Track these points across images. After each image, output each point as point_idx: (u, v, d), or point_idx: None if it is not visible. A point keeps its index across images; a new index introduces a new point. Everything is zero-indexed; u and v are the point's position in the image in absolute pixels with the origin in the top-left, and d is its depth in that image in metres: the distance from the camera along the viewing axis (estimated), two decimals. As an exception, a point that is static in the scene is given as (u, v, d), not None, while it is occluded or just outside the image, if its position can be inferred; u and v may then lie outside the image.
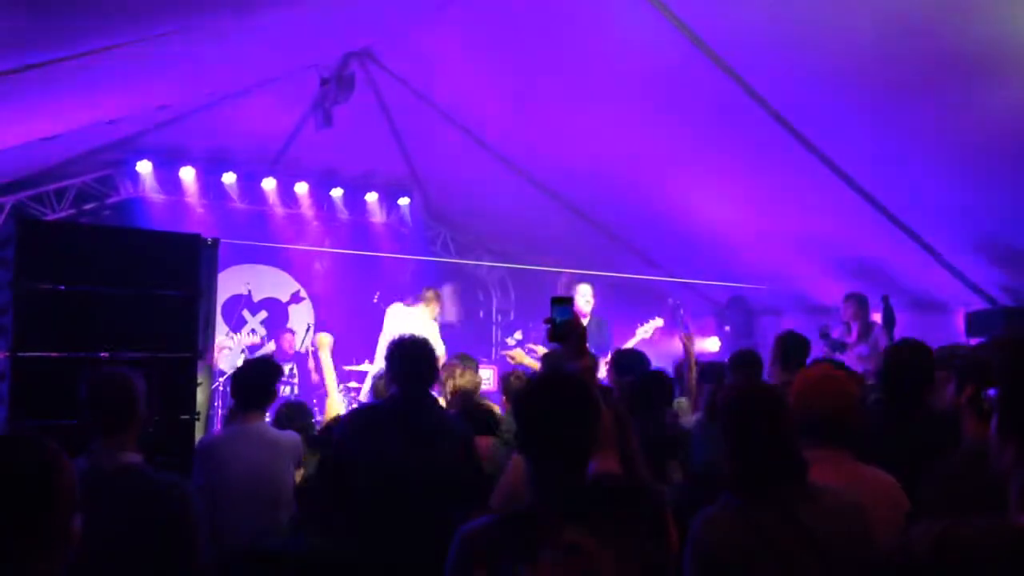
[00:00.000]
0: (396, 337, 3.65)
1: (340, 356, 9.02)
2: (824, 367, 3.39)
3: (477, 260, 11.74)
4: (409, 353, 3.56)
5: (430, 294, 7.70)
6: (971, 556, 1.25)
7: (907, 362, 3.34)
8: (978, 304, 7.62)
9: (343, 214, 10.65)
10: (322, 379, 5.47)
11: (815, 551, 2.11)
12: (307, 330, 9.87)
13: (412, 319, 7.33)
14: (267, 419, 4.19)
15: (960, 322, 7.64)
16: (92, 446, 2.69)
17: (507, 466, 3.37)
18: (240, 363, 5.48)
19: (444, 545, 1.95)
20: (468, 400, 4.34)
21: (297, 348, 9.45)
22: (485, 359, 10.70)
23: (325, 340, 5.48)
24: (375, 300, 9.51)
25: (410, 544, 3.07)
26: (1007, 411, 1.34)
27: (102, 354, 3.93)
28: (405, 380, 3.50)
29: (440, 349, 5.52)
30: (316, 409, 6.36)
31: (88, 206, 9.07)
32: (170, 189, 9.37)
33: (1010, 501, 1.34)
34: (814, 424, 2.51)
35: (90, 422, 2.72)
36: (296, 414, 4.60)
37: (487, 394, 4.98)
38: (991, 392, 1.39)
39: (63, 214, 8.75)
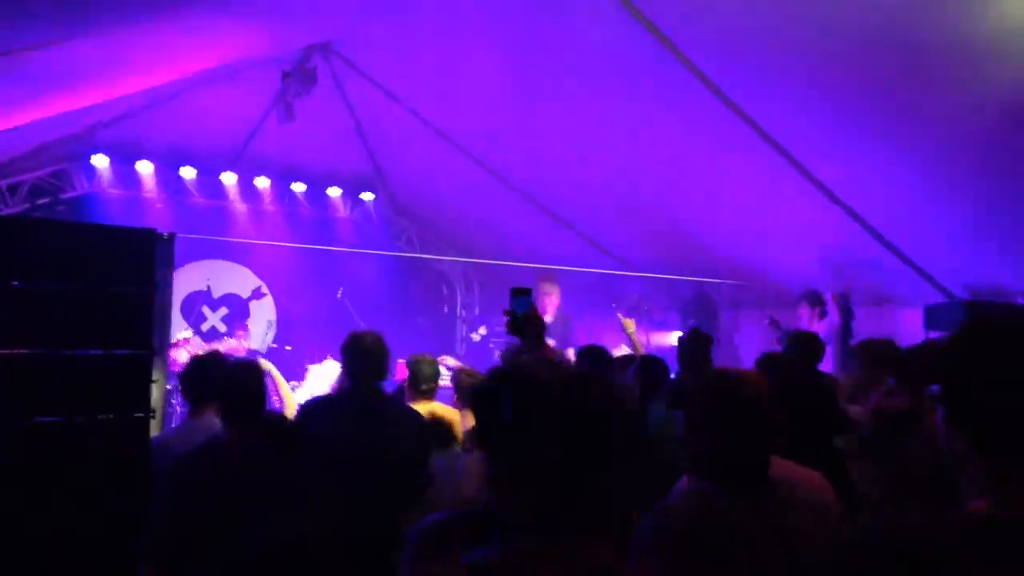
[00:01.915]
0: (352, 332, 3.83)
1: (303, 353, 8.95)
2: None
3: (441, 256, 11.69)
4: (364, 347, 3.72)
5: None
6: (923, 546, 1.25)
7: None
8: (936, 298, 7.73)
9: (305, 209, 10.55)
10: (281, 400, 5.45)
11: (782, 541, 2.10)
12: (268, 326, 9.76)
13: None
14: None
15: (918, 316, 7.75)
16: None
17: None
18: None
19: (395, 526, 1.93)
20: None
21: (256, 346, 9.34)
22: (449, 355, 10.68)
23: (268, 365, 5.51)
24: (339, 296, 9.42)
25: (360, 523, 3.07)
26: (952, 406, 1.36)
27: (56, 351, 3.85)
28: (359, 372, 3.63)
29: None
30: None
31: (42, 201, 8.87)
32: (127, 184, 9.21)
33: (963, 489, 1.35)
34: None
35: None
36: None
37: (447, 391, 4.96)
38: (933, 388, 1.41)
39: (16, 209, 8.56)
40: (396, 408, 3.99)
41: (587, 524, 1.50)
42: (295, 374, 9.02)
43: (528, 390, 1.54)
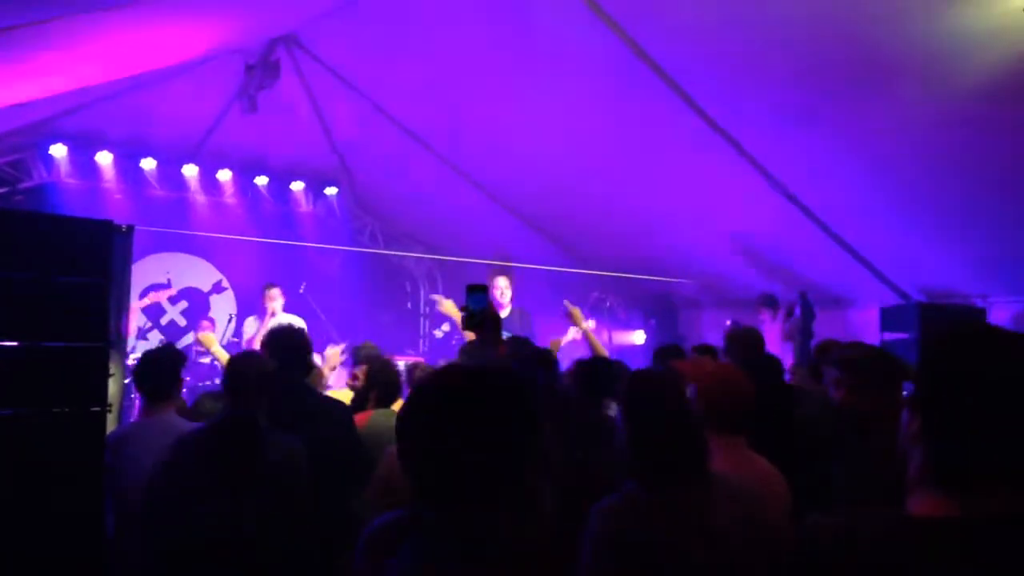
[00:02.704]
0: (272, 327, 4.05)
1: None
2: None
3: (405, 251, 11.66)
4: (285, 343, 3.85)
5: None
6: (868, 548, 1.27)
7: None
8: (892, 300, 7.88)
9: (268, 203, 10.46)
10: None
11: (714, 540, 2.13)
12: (229, 320, 9.68)
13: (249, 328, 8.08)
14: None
15: (874, 317, 7.88)
16: None
17: (383, 458, 3.39)
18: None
19: (332, 524, 1.93)
20: None
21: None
22: (412, 350, 10.68)
23: (205, 338, 5.56)
24: (301, 291, 9.36)
25: (294, 523, 3.08)
26: (920, 387, 1.39)
27: (9, 343, 3.79)
28: (281, 364, 3.64)
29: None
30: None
31: (0, 191, 8.73)
32: (86, 174, 9.08)
33: (909, 477, 1.37)
34: (713, 413, 2.59)
35: None
36: (216, 404, 4.53)
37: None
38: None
39: (-28, 198, 8.42)
40: (325, 404, 4.00)
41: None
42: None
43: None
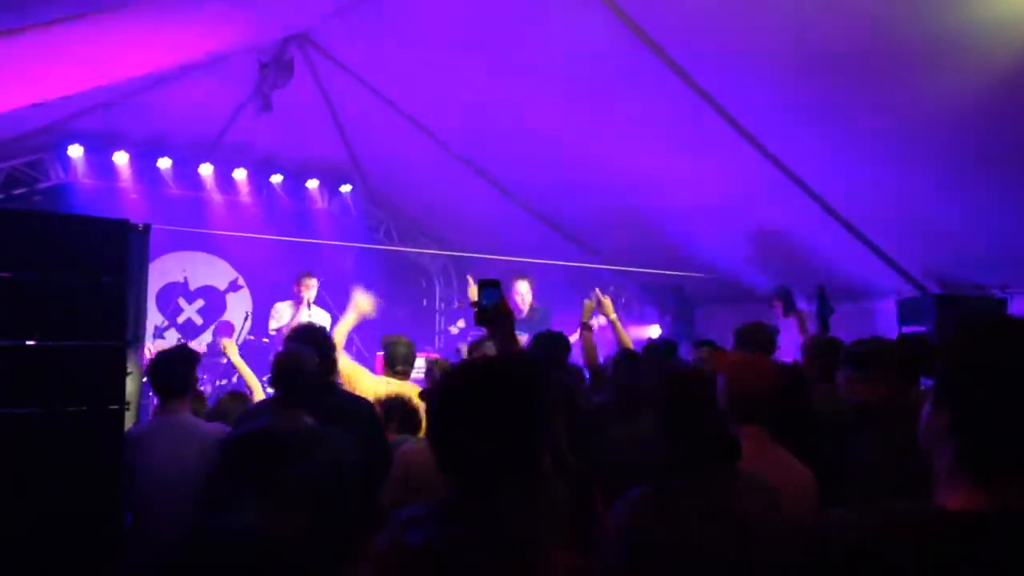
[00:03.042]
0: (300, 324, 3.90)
1: (280, 346, 8.92)
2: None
3: (420, 248, 11.68)
4: (313, 339, 3.92)
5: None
6: (901, 543, 1.26)
7: None
8: (910, 292, 7.82)
9: (283, 201, 10.50)
10: (242, 382, 5.46)
11: (741, 532, 2.13)
12: (245, 318, 9.72)
13: (282, 314, 7.83)
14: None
15: (892, 310, 7.82)
16: None
17: (397, 456, 3.37)
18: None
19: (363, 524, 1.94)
20: None
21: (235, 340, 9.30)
22: (429, 347, 10.69)
23: (228, 345, 5.52)
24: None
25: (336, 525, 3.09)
26: (943, 381, 1.37)
27: (27, 342, 3.82)
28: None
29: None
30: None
31: (18, 191, 8.81)
32: (103, 174, 9.14)
33: (937, 472, 1.35)
34: (737, 404, 2.58)
35: None
36: (236, 404, 4.57)
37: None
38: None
39: (-9, 199, 8.50)
40: (353, 405, 3.99)
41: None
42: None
43: None
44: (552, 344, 4.48)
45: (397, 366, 4.73)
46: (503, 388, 1.58)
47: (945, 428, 1.33)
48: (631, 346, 5.17)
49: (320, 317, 7.46)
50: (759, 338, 5.01)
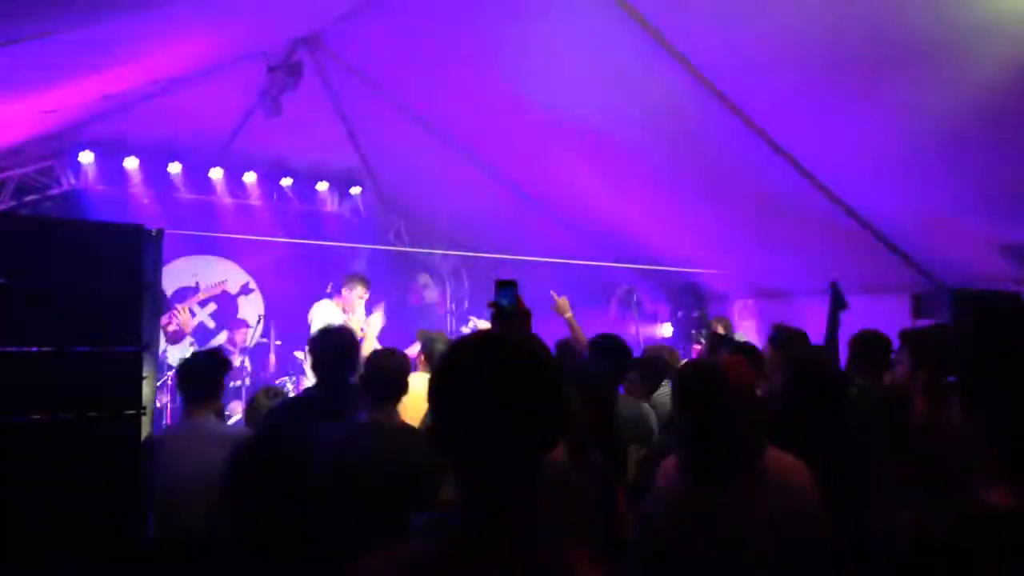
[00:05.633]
0: (320, 328, 4.08)
1: (292, 348, 8.96)
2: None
3: (431, 249, 11.68)
4: (329, 344, 3.92)
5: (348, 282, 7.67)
6: (948, 541, 1.25)
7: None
8: (923, 286, 7.77)
9: (294, 204, 10.52)
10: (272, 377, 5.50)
11: (764, 531, 2.12)
12: (258, 322, 9.74)
13: (329, 314, 7.57)
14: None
15: (906, 304, 7.78)
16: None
17: None
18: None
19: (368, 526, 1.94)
20: None
21: (247, 343, 9.33)
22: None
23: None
24: (328, 291, 9.40)
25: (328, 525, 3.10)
26: (970, 391, 1.36)
27: (44, 349, 3.84)
28: (324, 369, 3.79)
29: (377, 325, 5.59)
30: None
31: (29, 198, 8.82)
32: (114, 180, 9.16)
33: (975, 472, 1.35)
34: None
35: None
36: (269, 401, 4.54)
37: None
38: (951, 379, 1.41)
39: (3, 206, 8.50)
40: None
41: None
42: (285, 368, 9.03)
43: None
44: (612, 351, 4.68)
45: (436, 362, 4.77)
46: (539, 361, 1.46)
47: (981, 430, 1.33)
48: (585, 343, 5.23)
49: (375, 322, 7.45)
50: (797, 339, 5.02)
